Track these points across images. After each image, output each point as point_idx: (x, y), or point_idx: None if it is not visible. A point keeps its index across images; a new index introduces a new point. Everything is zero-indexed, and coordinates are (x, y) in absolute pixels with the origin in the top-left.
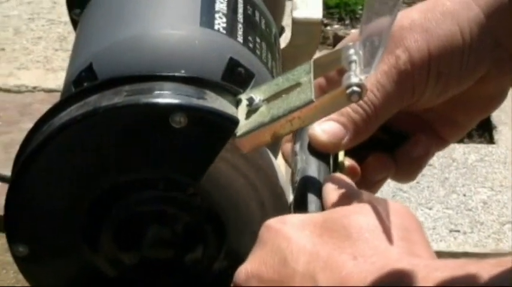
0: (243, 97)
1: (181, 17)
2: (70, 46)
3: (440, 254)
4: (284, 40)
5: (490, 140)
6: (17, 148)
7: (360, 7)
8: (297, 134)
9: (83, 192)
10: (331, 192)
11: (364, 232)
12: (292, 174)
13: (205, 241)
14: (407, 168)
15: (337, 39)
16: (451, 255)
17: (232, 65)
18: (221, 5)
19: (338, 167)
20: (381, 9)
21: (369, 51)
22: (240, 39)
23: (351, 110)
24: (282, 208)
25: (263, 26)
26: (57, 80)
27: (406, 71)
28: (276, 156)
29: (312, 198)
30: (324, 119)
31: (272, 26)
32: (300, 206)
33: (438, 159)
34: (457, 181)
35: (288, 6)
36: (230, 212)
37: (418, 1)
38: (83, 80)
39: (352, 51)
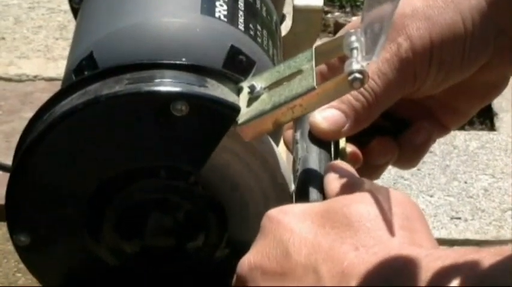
0: (245, 85)
1: (182, 4)
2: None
3: (441, 242)
4: (285, 28)
5: (491, 127)
6: (18, 137)
7: None
8: (298, 122)
9: (85, 181)
10: (333, 181)
11: (365, 222)
12: (294, 162)
13: (207, 229)
14: (409, 154)
15: (338, 26)
16: (452, 242)
17: (234, 53)
18: None
19: (339, 154)
20: None
21: (371, 38)
22: (241, 26)
23: (351, 97)
24: (283, 196)
25: (264, 14)
26: (57, 68)
27: (408, 59)
28: (277, 144)
29: (313, 188)
30: (324, 106)
31: (273, 13)
32: (302, 195)
33: (439, 146)
34: (458, 168)
35: None
36: (231, 200)
37: None
38: (84, 69)
39: (353, 38)
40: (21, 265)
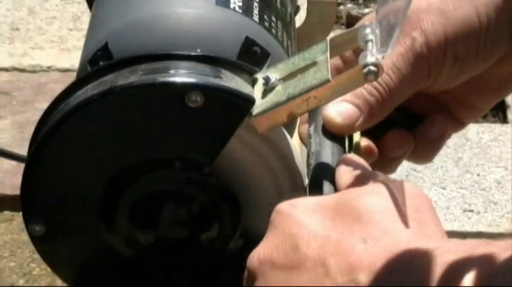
0: (259, 76)
1: None
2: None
3: (453, 234)
4: (299, 19)
5: (504, 120)
6: (32, 127)
7: None
8: (312, 116)
9: (99, 171)
10: (344, 174)
11: (374, 214)
12: (307, 156)
13: (220, 220)
14: (424, 149)
15: (351, 18)
16: (464, 235)
17: (248, 44)
18: None
19: (354, 148)
20: None
21: (386, 30)
22: (256, 18)
23: (365, 92)
24: (297, 188)
25: (279, 5)
26: (71, 59)
27: (422, 54)
28: (291, 135)
29: (325, 181)
30: (338, 100)
31: (288, 4)
32: (315, 189)
33: (452, 139)
34: (471, 160)
35: None
36: (245, 191)
37: None
38: (99, 59)
39: (368, 30)
40: (36, 255)
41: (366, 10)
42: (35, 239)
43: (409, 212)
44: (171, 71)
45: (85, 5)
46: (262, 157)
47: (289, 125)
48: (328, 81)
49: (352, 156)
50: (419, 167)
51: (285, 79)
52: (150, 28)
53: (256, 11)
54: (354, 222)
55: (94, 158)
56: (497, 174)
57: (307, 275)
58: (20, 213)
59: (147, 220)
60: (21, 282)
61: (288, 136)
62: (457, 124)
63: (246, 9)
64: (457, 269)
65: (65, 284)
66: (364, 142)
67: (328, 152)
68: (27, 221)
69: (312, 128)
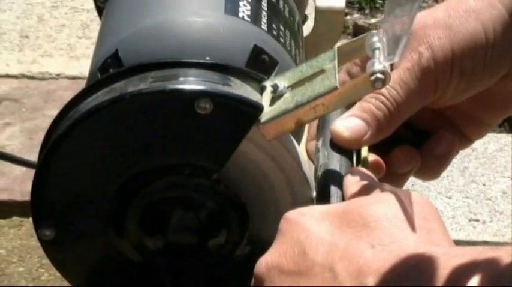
0: (267, 84)
1: (206, 4)
2: (93, 34)
3: (459, 243)
4: (307, 28)
5: (510, 130)
6: (41, 134)
7: None
8: (319, 130)
9: (109, 177)
10: (352, 184)
11: (382, 221)
12: (315, 170)
13: (228, 226)
14: (431, 165)
15: (357, 28)
16: (470, 244)
17: (257, 52)
18: None
19: (361, 162)
20: (403, 0)
21: (393, 38)
22: (264, 26)
23: (373, 106)
24: (304, 195)
25: (287, 14)
26: (80, 67)
27: (429, 69)
28: (299, 143)
29: (333, 190)
30: (346, 114)
31: (295, 14)
32: (322, 198)
33: None
34: (477, 170)
35: None
36: (253, 198)
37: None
38: (109, 67)
39: (375, 38)
40: (44, 261)
41: (373, 20)
42: (45, 244)
43: (417, 220)
44: (181, 79)
45: (94, 13)
46: (269, 163)
47: (297, 133)
48: (335, 88)
49: (360, 168)
50: None
51: (292, 87)
52: (160, 36)
53: (264, 20)
54: (362, 228)
55: (104, 164)
56: (502, 184)
57: (315, 281)
58: (29, 219)
59: (156, 226)
60: None
61: (296, 144)
62: (464, 140)
63: (255, 18)
64: (463, 272)
65: None
66: (372, 157)
67: (336, 164)
68: (37, 225)
69: (320, 142)
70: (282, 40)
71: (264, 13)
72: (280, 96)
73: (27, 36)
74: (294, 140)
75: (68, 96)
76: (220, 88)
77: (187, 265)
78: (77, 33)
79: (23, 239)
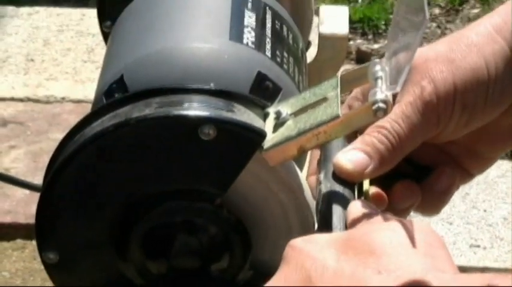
0: (271, 110)
1: (211, 30)
2: (98, 58)
3: (460, 269)
4: (310, 55)
5: (511, 157)
6: (45, 157)
7: (383, 22)
8: (321, 163)
9: (113, 201)
10: (355, 212)
11: (387, 248)
12: (317, 203)
13: (231, 251)
14: (432, 201)
15: (360, 54)
16: (471, 270)
17: (260, 79)
18: (250, 20)
19: (363, 195)
20: (407, 26)
21: (395, 68)
22: (268, 53)
23: (376, 140)
24: (307, 222)
25: (290, 41)
26: (85, 91)
27: (432, 103)
28: (301, 169)
29: (336, 218)
30: (348, 147)
31: (299, 40)
32: (324, 227)
33: None
34: (478, 196)
35: (314, 21)
36: (256, 223)
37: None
38: (114, 92)
39: (378, 67)
40: (48, 283)
41: (376, 46)
42: (49, 267)
43: (423, 247)
44: (185, 105)
45: (99, 38)
46: (272, 189)
47: (299, 160)
48: (338, 117)
49: (363, 200)
50: None
51: (295, 114)
52: (165, 62)
53: (268, 47)
54: (368, 255)
55: (108, 188)
56: (504, 210)
57: None
58: (32, 241)
59: (159, 250)
60: None
61: (299, 170)
62: (465, 175)
63: (259, 45)
64: None
65: None
66: (374, 190)
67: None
68: (41, 249)
69: (322, 175)
70: (285, 67)
71: (268, 40)
72: (283, 123)
73: (32, 60)
74: (296, 166)
75: (72, 119)
76: (224, 114)
77: None
78: (82, 57)
79: (26, 261)
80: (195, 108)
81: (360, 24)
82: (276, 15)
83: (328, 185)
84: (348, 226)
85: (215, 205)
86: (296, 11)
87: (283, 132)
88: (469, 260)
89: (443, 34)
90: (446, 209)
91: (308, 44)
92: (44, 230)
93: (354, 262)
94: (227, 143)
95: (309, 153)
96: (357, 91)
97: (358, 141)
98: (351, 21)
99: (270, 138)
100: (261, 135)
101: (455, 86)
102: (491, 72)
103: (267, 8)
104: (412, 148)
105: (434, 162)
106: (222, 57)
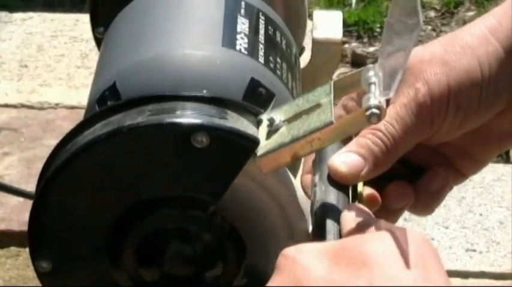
0: (264, 117)
1: (204, 37)
2: (92, 64)
3: (456, 274)
4: (304, 60)
5: (507, 160)
6: (39, 163)
7: (378, 25)
8: (316, 165)
9: (106, 209)
10: (349, 221)
11: (380, 259)
12: (312, 204)
13: (225, 258)
14: (425, 201)
15: (355, 57)
16: (467, 274)
17: (254, 85)
18: (243, 26)
19: (357, 197)
20: (401, 29)
21: (389, 72)
22: (261, 59)
23: (370, 142)
24: (300, 227)
25: (284, 47)
26: (78, 97)
27: (426, 104)
28: (295, 176)
29: (330, 227)
30: (343, 150)
31: (292, 46)
32: (318, 234)
33: None
34: (474, 200)
35: (308, 25)
36: (249, 230)
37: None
38: (107, 99)
39: (371, 73)
40: None
41: (371, 49)
42: (42, 276)
43: (414, 258)
44: (178, 112)
45: (93, 43)
46: (266, 197)
47: (293, 167)
48: (331, 123)
49: (357, 205)
50: None
51: (289, 121)
52: (158, 69)
53: (261, 53)
54: (360, 267)
55: (101, 196)
56: (499, 214)
57: None
58: (26, 249)
59: (152, 258)
60: None
61: (292, 177)
62: (458, 176)
63: (252, 51)
64: None
65: None
66: (367, 191)
67: (333, 200)
68: (34, 257)
69: (317, 177)
70: (279, 73)
71: (261, 46)
72: (277, 130)
73: (26, 66)
74: (290, 173)
75: (66, 125)
76: (217, 121)
77: None
78: (76, 63)
79: (20, 269)
80: (187, 116)
81: (355, 28)
82: (269, 21)
83: (323, 187)
84: (342, 233)
85: (209, 212)
86: (289, 16)
87: (276, 139)
88: (465, 265)
89: (438, 37)
90: (442, 213)
91: (302, 49)
92: (37, 239)
93: (346, 274)
94: (220, 150)
95: None
96: None
97: (353, 144)
98: (346, 25)
99: (264, 146)
100: (254, 142)
101: (449, 87)
102: (485, 74)
103: (260, 13)
104: (407, 150)
105: (427, 163)
106: (214, 64)
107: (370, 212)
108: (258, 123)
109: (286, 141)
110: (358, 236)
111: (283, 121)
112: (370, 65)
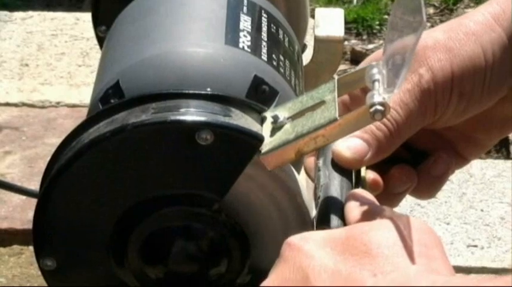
0: (268, 115)
1: (207, 35)
2: (92, 62)
3: (457, 269)
4: (306, 57)
5: (507, 156)
6: (41, 162)
7: (377, 22)
8: (321, 149)
9: (111, 207)
10: (353, 209)
11: (383, 249)
12: (315, 189)
13: (229, 255)
14: (428, 185)
15: (355, 54)
16: (468, 270)
17: (257, 83)
18: (246, 24)
19: (360, 182)
20: (405, 28)
21: (393, 70)
22: (264, 57)
23: (374, 127)
24: (304, 223)
25: (286, 44)
26: (80, 95)
27: (429, 90)
28: (298, 172)
29: (334, 215)
30: (347, 135)
31: (295, 43)
32: (323, 223)
33: (456, 174)
34: (475, 196)
35: (309, 23)
36: (254, 227)
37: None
38: (110, 97)
39: (375, 70)
40: None
41: (370, 46)
42: (46, 274)
43: (418, 247)
44: (182, 110)
45: (94, 41)
46: (270, 194)
47: (297, 163)
48: (335, 120)
49: (361, 191)
50: (423, 202)
51: (293, 118)
52: (161, 67)
53: (264, 51)
54: (364, 256)
55: (105, 194)
56: (501, 209)
57: None
58: (29, 247)
59: (157, 255)
60: None
61: (296, 174)
62: (461, 160)
63: (255, 49)
64: None
65: None
66: (370, 175)
67: (336, 185)
68: (39, 256)
69: (320, 161)
70: (281, 70)
71: (264, 43)
72: (281, 127)
73: (27, 65)
74: (294, 169)
75: (68, 124)
76: (221, 119)
77: None
78: (77, 61)
79: (23, 267)
80: (192, 114)
81: (354, 25)
82: (271, 19)
83: (327, 172)
84: (346, 221)
85: (213, 209)
86: (291, 14)
87: (280, 136)
88: (466, 260)
89: None
90: (443, 210)
91: (304, 47)
92: (42, 237)
93: (350, 263)
94: (224, 148)
95: None
96: None
97: None
98: (346, 22)
99: (268, 143)
100: (259, 139)
101: (453, 74)
102: (489, 60)
103: (263, 11)
104: (410, 135)
105: (430, 147)
106: (218, 62)
107: (374, 199)
108: (262, 121)
109: (291, 138)
110: (362, 225)
111: (287, 118)
112: (374, 63)
